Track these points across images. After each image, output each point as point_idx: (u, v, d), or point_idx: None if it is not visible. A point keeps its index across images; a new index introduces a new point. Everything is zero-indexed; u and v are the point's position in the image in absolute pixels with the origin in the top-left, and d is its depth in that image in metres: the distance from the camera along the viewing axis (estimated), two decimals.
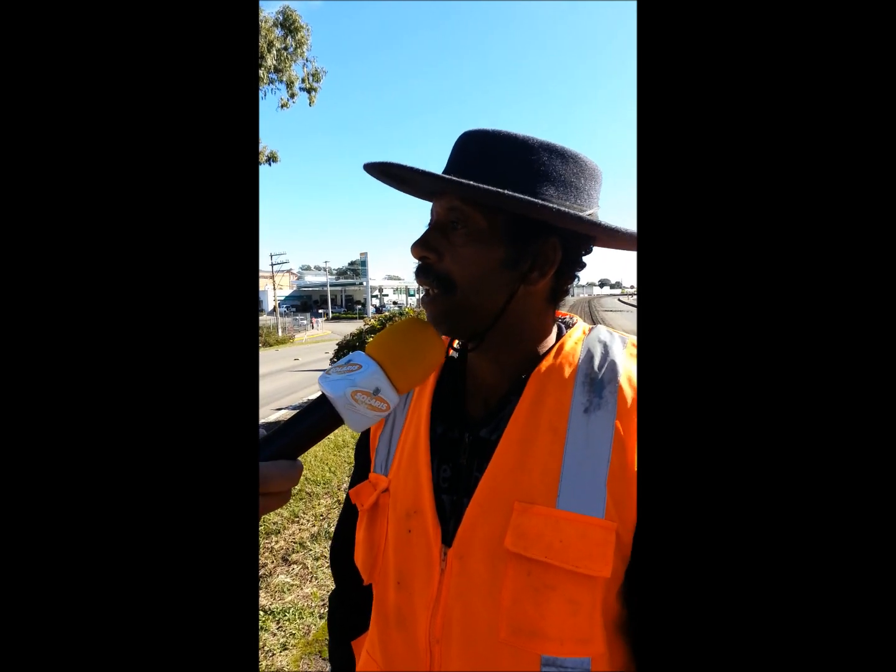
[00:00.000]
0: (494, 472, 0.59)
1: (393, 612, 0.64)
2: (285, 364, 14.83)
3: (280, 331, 27.25)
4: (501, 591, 0.56)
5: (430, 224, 0.65)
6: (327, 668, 2.20)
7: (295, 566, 3.10)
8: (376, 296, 62.11)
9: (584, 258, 0.66)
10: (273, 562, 3.15)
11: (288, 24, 10.07)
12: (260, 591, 2.81)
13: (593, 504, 0.55)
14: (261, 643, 2.42)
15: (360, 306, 58.21)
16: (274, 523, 3.61)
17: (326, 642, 0.86)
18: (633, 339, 0.65)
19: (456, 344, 0.74)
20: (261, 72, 9.42)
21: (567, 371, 0.61)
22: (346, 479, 4.30)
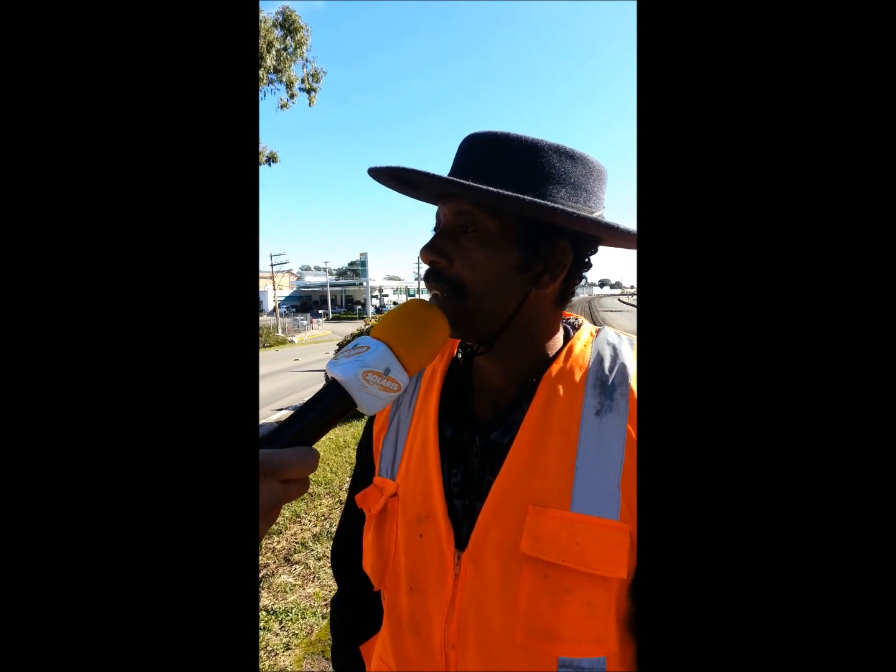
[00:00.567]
0: (507, 475, 0.59)
1: (406, 618, 0.64)
2: (285, 364, 14.83)
3: (280, 331, 27.24)
4: (517, 594, 0.56)
5: (436, 228, 0.64)
6: (330, 669, 2.20)
7: (297, 566, 3.10)
8: (376, 296, 62.03)
9: (590, 258, 0.66)
10: (275, 562, 3.15)
11: (287, 25, 10.08)
12: (262, 592, 2.81)
13: (607, 506, 0.55)
14: (264, 643, 2.42)
15: (360, 307, 58.16)
16: (276, 523, 3.62)
17: (329, 642, 0.86)
18: None
19: (462, 346, 0.73)
20: (260, 72, 9.42)
21: (578, 374, 0.61)
22: (348, 479, 4.30)
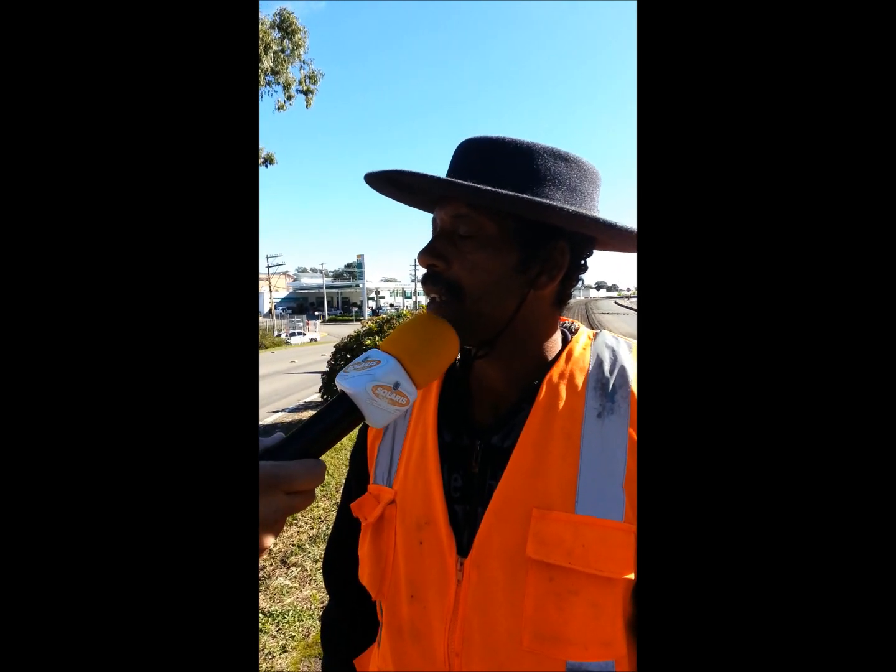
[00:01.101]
0: (510, 479, 0.58)
1: (407, 626, 0.63)
2: (282, 366, 14.81)
3: (276, 332, 27.21)
4: (522, 598, 0.55)
5: (434, 233, 0.64)
6: None
7: (294, 568, 3.10)
8: (373, 298, 62.04)
9: (587, 261, 0.66)
10: (272, 564, 3.15)
11: (285, 27, 10.09)
12: (259, 594, 2.80)
13: (612, 508, 0.55)
14: (261, 645, 2.41)
15: (356, 308, 58.12)
16: None
17: (322, 645, 0.85)
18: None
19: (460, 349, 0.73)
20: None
21: (578, 377, 0.62)
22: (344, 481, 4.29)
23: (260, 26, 9.17)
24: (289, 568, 3.10)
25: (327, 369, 6.38)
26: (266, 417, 7.61)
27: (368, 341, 5.87)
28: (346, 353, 6.23)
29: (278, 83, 10.70)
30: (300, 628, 2.55)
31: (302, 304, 62.72)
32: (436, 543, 0.61)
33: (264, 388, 10.41)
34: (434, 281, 0.61)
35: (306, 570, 3.07)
